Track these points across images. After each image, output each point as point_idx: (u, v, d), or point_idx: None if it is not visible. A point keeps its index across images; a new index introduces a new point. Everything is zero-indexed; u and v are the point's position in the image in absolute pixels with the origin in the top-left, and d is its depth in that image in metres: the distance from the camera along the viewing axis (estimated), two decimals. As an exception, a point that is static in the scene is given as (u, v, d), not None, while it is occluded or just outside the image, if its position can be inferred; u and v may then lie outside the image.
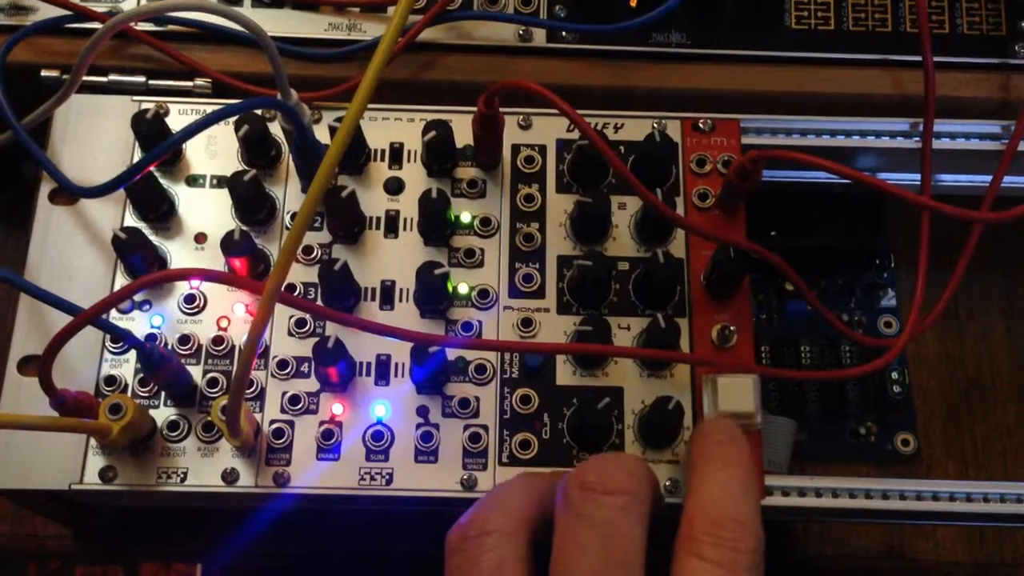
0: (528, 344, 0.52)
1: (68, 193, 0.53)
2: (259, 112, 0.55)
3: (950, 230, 0.62)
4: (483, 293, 0.54)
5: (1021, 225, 0.63)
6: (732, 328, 0.52)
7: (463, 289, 0.53)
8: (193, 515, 0.60)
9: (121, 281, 0.53)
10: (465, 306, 0.54)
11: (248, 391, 0.51)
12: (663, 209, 0.51)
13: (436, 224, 0.54)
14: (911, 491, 0.51)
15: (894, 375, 0.62)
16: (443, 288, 0.52)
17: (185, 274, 0.47)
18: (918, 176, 0.58)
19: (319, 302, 0.53)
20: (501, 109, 0.53)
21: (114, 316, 0.52)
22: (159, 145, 0.47)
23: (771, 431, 0.55)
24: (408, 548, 0.61)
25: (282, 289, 0.51)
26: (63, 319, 0.49)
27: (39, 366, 0.43)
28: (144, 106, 0.56)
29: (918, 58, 0.58)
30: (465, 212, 0.55)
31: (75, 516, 0.57)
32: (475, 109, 0.53)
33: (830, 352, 0.63)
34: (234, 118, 0.55)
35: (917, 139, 0.58)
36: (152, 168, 0.55)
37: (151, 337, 0.52)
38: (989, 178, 0.57)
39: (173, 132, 0.55)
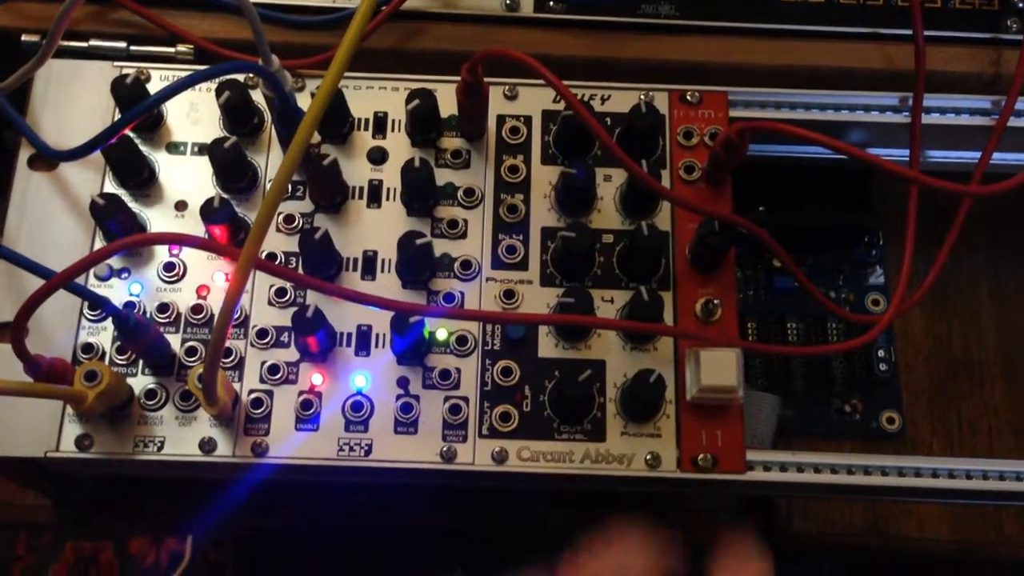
0: (510, 315, 0.52)
1: (44, 156, 0.52)
2: (241, 79, 0.54)
3: (939, 208, 0.62)
4: (466, 264, 0.53)
5: (1010, 202, 0.63)
6: (716, 302, 0.52)
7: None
8: (178, 486, 0.59)
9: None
10: (448, 277, 0.53)
11: (227, 360, 0.51)
12: (648, 181, 0.50)
13: (419, 194, 0.54)
14: (893, 467, 0.51)
15: (880, 352, 0.61)
16: (426, 258, 0.51)
17: (158, 239, 0.46)
18: (907, 151, 0.57)
19: (300, 272, 0.53)
20: (487, 79, 0.53)
21: (92, 283, 0.52)
22: (135, 107, 0.46)
23: (755, 407, 0.55)
24: (397, 521, 0.61)
25: (261, 256, 0.51)
26: (38, 284, 0.48)
27: (12, 331, 0.43)
28: (124, 71, 0.55)
29: (909, 32, 0.57)
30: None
31: (53, 485, 0.57)
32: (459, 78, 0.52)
33: (817, 328, 0.62)
34: (215, 84, 0.54)
35: (906, 113, 0.57)
36: (132, 133, 0.54)
37: (129, 305, 0.51)
38: (979, 154, 0.57)
39: (154, 98, 0.55)
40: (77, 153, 0.47)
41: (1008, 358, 0.63)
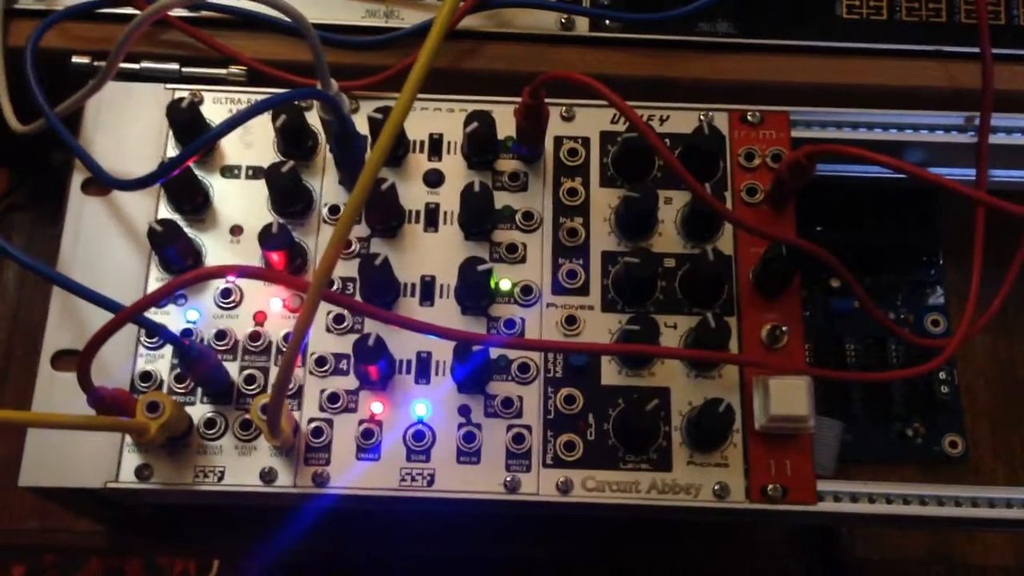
0: (573, 344, 0.51)
1: (105, 185, 0.51)
2: (296, 101, 0.54)
3: (998, 226, 0.60)
4: (526, 289, 0.52)
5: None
6: (784, 328, 0.51)
7: (505, 286, 0.52)
8: (226, 511, 0.59)
9: (156, 274, 0.52)
10: (507, 303, 0.52)
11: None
12: (716, 205, 0.49)
13: (478, 218, 0.53)
14: (965, 497, 0.50)
15: (942, 375, 0.60)
16: (485, 285, 0.51)
17: (228, 271, 0.45)
18: (968, 171, 0.56)
19: (358, 297, 0.52)
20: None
21: (150, 310, 0.51)
22: (199, 139, 0.45)
23: (819, 433, 0.54)
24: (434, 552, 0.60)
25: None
26: (96, 312, 0.48)
27: (78, 365, 0.42)
28: (178, 95, 0.54)
29: (973, 49, 0.56)
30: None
31: (109, 513, 0.56)
32: (517, 99, 0.51)
33: (876, 350, 0.61)
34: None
35: (972, 133, 0.56)
36: (188, 159, 0.53)
37: (187, 332, 0.51)
38: (1045, 174, 0.56)
39: (207, 121, 0.54)
40: (138, 184, 0.47)
41: (1072, 379, 0.62)
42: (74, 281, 0.46)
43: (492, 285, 0.51)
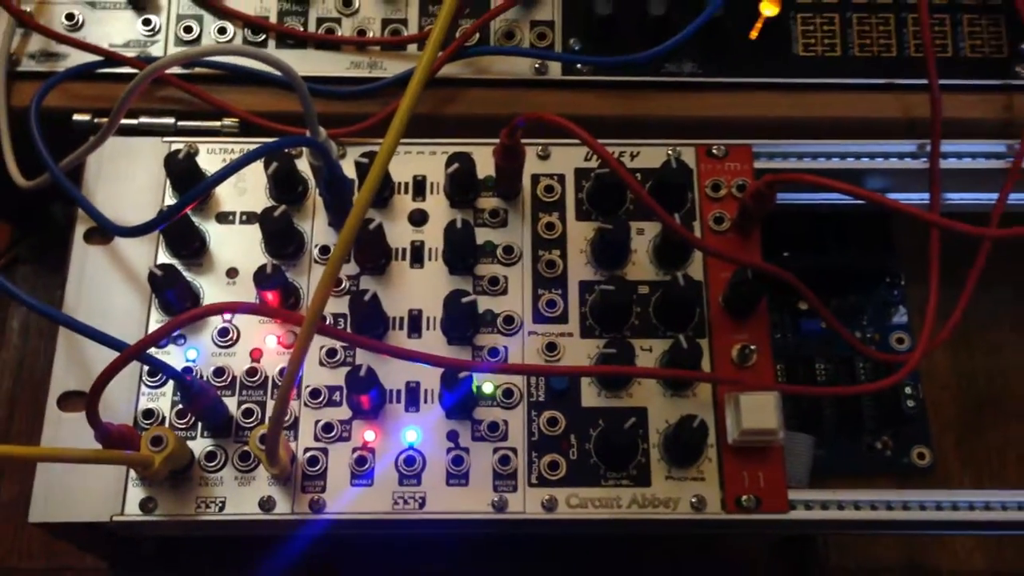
0: (554, 368, 0.54)
1: (109, 234, 0.54)
2: (286, 149, 0.57)
3: (958, 246, 0.63)
4: (508, 319, 0.55)
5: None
6: (752, 347, 0.54)
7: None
8: (234, 544, 0.61)
9: (156, 317, 0.55)
10: (491, 332, 0.55)
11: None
12: (685, 234, 0.52)
13: (461, 253, 0.56)
14: (931, 501, 0.53)
15: (907, 390, 0.63)
16: (471, 315, 0.53)
17: (226, 308, 0.48)
18: (925, 195, 0.59)
19: (349, 332, 0.54)
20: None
21: (150, 350, 0.54)
22: (198, 186, 0.48)
23: (791, 447, 0.57)
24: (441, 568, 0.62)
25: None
26: (101, 355, 0.51)
27: (87, 401, 0.44)
28: (175, 147, 0.57)
29: (923, 81, 0.60)
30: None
31: (114, 548, 0.58)
32: (494, 141, 0.54)
33: (844, 369, 0.64)
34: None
35: (924, 160, 0.59)
36: (185, 207, 0.56)
37: (187, 370, 0.53)
38: (995, 196, 0.59)
39: (203, 170, 0.57)
40: (140, 231, 0.50)
41: (1032, 390, 0.65)
42: (81, 322, 0.48)
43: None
